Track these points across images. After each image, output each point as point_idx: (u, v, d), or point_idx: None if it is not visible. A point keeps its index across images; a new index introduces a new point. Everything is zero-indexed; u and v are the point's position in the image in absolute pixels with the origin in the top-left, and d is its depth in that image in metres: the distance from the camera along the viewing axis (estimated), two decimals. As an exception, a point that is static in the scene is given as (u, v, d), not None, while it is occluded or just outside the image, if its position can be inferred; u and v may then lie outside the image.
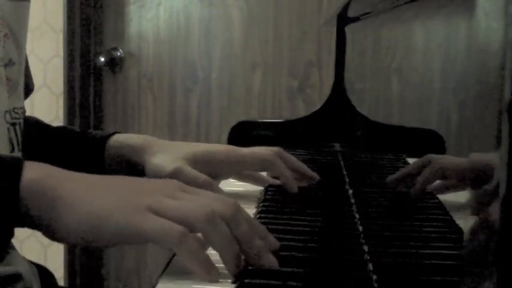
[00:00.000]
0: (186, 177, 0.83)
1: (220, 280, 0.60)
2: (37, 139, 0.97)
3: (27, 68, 0.96)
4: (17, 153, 0.85)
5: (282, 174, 0.89)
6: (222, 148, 0.90)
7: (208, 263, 0.60)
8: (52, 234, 0.61)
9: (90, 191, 0.62)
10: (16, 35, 0.86)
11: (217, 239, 0.60)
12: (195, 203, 0.62)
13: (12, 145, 0.84)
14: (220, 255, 0.61)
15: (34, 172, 0.61)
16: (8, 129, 0.84)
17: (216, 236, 0.60)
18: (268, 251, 0.63)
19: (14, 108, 0.86)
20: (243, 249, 0.62)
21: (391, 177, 0.87)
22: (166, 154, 0.87)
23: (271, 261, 0.62)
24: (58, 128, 1.03)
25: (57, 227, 0.60)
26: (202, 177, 0.84)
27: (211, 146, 0.91)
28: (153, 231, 0.58)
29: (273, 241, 0.65)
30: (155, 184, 0.65)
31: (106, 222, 0.59)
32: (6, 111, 0.83)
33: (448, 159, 0.75)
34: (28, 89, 0.98)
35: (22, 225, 0.62)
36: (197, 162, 0.86)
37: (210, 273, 0.60)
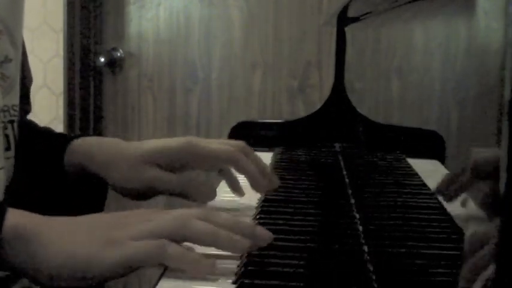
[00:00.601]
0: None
1: (220, 280, 0.60)
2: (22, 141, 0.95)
3: (25, 61, 0.95)
4: (12, 153, 0.84)
5: (246, 171, 0.83)
6: (181, 142, 0.84)
7: (197, 259, 0.61)
8: (37, 279, 0.61)
9: (70, 232, 0.62)
10: (11, 31, 0.84)
11: (201, 236, 0.62)
12: (169, 215, 0.64)
13: (8, 143, 0.84)
14: (215, 247, 0.62)
15: (14, 219, 0.61)
16: (5, 126, 0.83)
17: (199, 233, 0.62)
18: (258, 225, 0.65)
19: (13, 105, 0.85)
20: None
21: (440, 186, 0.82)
22: (123, 164, 0.83)
23: (266, 234, 0.64)
24: (34, 129, 1.00)
25: (39, 275, 0.61)
26: None
27: (171, 140, 0.85)
28: (135, 255, 0.60)
29: (263, 233, 0.64)
30: (129, 215, 0.66)
31: (92, 262, 0.60)
32: (1, 110, 0.82)
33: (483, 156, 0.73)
34: (24, 83, 0.96)
35: (5, 270, 0.62)
36: (156, 159, 0.82)
37: (203, 267, 0.61)
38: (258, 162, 0.85)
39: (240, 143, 0.86)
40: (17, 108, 0.86)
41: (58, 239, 0.61)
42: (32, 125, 0.99)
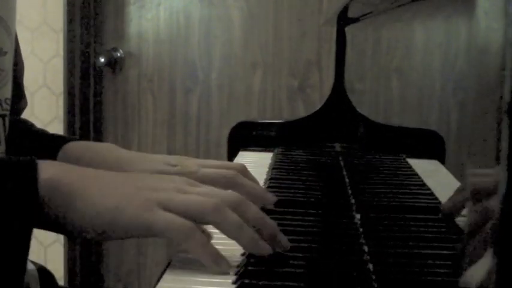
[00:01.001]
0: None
1: (220, 280, 0.60)
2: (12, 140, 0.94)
3: (17, 46, 0.93)
4: (2, 147, 0.84)
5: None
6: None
7: (216, 254, 0.62)
8: (68, 230, 0.63)
9: (104, 187, 0.63)
10: (7, 22, 0.83)
11: (229, 227, 0.62)
12: (203, 195, 0.64)
13: None
14: (237, 242, 0.63)
15: (49, 171, 0.62)
16: None
17: (227, 224, 0.62)
18: (280, 231, 0.65)
19: (6, 99, 0.84)
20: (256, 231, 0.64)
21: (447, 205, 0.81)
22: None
23: (285, 242, 0.65)
24: (29, 130, 1.00)
25: (73, 223, 0.62)
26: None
27: (167, 175, 0.79)
28: (161, 226, 0.61)
29: (283, 240, 0.65)
30: (166, 180, 0.67)
31: (118, 217, 0.61)
32: None
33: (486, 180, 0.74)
34: (21, 73, 0.95)
35: (41, 227, 0.62)
36: None
37: (220, 264, 0.62)
38: (254, 186, 0.83)
39: (241, 164, 0.85)
40: (9, 102, 0.85)
41: (92, 191, 0.62)
42: (28, 125, 0.98)
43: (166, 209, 0.62)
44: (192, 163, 0.84)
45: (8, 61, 0.84)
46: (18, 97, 0.97)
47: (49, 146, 0.89)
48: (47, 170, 0.62)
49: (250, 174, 0.85)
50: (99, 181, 0.64)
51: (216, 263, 0.61)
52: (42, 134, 0.96)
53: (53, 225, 0.63)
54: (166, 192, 0.64)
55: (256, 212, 0.65)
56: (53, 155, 0.87)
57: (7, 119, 0.84)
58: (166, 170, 0.81)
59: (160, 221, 0.61)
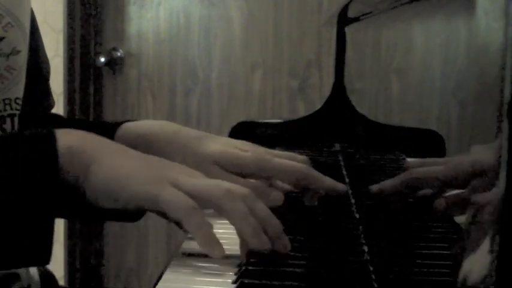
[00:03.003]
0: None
1: (220, 280, 0.60)
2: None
3: (42, 46, 0.93)
4: None
5: (321, 186, 0.80)
6: (255, 157, 0.80)
7: (213, 238, 0.62)
8: (83, 196, 0.64)
9: (121, 157, 0.66)
10: (21, 21, 0.83)
11: (235, 214, 0.62)
12: (214, 182, 0.65)
13: None
14: (240, 231, 0.63)
15: (68, 139, 0.64)
16: (4, 121, 0.82)
17: (234, 211, 0.62)
18: (283, 232, 0.65)
19: (16, 98, 0.83)
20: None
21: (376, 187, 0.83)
22: (189, 159, 0.79)
23: (287, 244, 0.64)
24: (75, 119, 1.01)
25: (88, 188, 0.64)
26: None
27: (243, 151, 0.80)
28: (165, 200, 0.61)
29: (286, 242, 0.65)
30: (182, 166, 0.68)
31: (128, 184, 0.63)
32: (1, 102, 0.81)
33: (423, 170, 0.75)
34: (46, 71, 0.95)
35: (59, 192, 0.63)
36: (226, 166, 0.79)
37: (214, 247, 0.61)
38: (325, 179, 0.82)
39: (304, 158, 0.84)
40: (20, 102, 0.84)
41: (107, 159, 0.64)
42: (66, 119, 0.98)
43: (176, 186, 0.63)
44: (263, 150, 0.82)
45: (22, 60, 0.84)
46: (46, 95, 0.97)
47: (103, 131, 0.88)
48: (66, 138, 0.64)
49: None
50: (115, 151, 0.67)
51: (210, 245, 0.61)
52: (91, 123, 0.96)
53: (72, 195, 0.64)
54: (179, 173, 0.65)
55: (264, 208, 0.65)
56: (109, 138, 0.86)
57: (16, 119, 0.84)
58: (237, 155, 0.79)
59: (166, 193, 0.62)
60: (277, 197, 0.78)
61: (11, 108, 0.82)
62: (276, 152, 0.85)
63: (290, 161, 0.80)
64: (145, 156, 0.68)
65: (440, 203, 0.73)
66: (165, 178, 0.63)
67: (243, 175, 0.79)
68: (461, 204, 0.70)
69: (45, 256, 0.62)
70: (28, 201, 0.61)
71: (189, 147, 0.81)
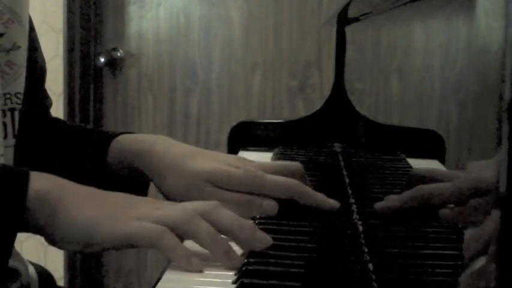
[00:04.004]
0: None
1: (220, 280, 0.61)
2: (52, 136, 0.94)
3: (38, 46, 0.94)
4: (11, 141, 0.84)
5: (310, 201, 0.79)
6: (245, 174, 0.79)
7: (187, 253, 0.63)
8: (52, 240, 0.67)
9: (88, 202, 0.68)
10: (21, 17, 0.84)
11: (202, 236, 0.64)
12: (177, 207, 0.67)
13: (6, 131, 0.83)
14: (210, 252, 0.64)
15: (40, 183, 0.67)
16: (4, 114, 0.83)
17: (200, 233, 0.64)
18: (258, 229, 0.66)
19: (16, 93, 0.84)
20: (234, 238, 0.66)
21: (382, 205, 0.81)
22: (179, 180, 0.80)
23: (264, 238, 0.65)
24: (73, 126, 1.01)
25: (56, 233, 0.66)
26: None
27: (234, 168, 0.80)
28: (134, 233, 0.64)
29: (263, 237, 0.66)
30: (147, 199, 0.72)
31: (95, 230, 0.65)
32: (1, 97, 0.82)
33: (432, 188, 0.75)
34: (42, 71, 0.96)
35: (25, 231, 0.67)
36: (218, 182, 0.79)
37: (191, 263, 0.63)
38: (314, 194, 0.81)
39: (297, 165, 0.84)
40: (21, 96, 0.85)
41: (76, 205, 0.66)
42: (67, 124, 0.99)
43: (142, 220, 0.65)
44: (254, 166, 0.82)
45: (22, 56, 0.85)
46: (43, 94, 0.97)
47: (98, 142, 0.89)
48: (38, 182, 0.66)
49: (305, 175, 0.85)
50: (83, 197, 0.68)
51: (187, 263, 0.63)
52: (89, 131, 0.96)
53: (39, 232, 0.67)
54: (143, 209, 0.67)
55: (230, 217, 0.66)
56: (103, 151, 0.87)
57: (16, 113, 0.85)
58: (229, 172, 0.79)
59: (133, 228, 0.64)
60: (270, 206, 0.78)
61: (11, 103, 0.83)
62: (269, 164, 0.85)
63: (282, 178, 0.80)
64: (111, 198, 0.70)
65: (446, 213, 0.73)
66: (131, 215, 0.65)
67: (236, 191, 0.79)
68: (467, 215, 0.70)
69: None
70: None
71: (181, 164, 0.80)
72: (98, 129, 0.98)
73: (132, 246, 0.66)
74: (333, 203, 0.80)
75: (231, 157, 0.86)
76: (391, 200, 0.79)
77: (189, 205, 0.67)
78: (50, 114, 0.99)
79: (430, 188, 0.75)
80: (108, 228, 0.65)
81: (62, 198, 0.66)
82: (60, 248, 0.68)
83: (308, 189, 0.80)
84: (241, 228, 0.65)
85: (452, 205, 0.71)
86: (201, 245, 0.64)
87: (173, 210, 0.66)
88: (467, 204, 0.62)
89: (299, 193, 0.79)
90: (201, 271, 0.62)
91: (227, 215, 0.66)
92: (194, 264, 0.63)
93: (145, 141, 0.86)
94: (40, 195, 0.66)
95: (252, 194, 0.79)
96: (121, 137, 0.87)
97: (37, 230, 0.67)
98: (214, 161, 0.81)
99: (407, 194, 0.78)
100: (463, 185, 0.63)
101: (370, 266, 0.63)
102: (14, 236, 0.64)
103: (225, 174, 0.78)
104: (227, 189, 0.78)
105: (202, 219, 0.64)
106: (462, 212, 0.69)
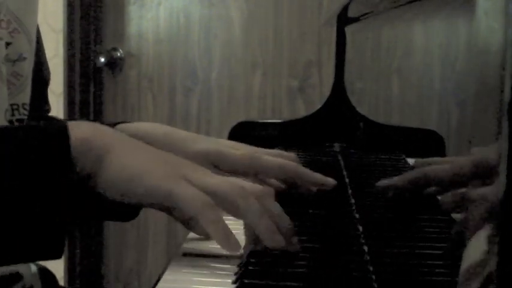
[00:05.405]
0: None
1: (220, 280, 0.61)
2: None
3: (43, 54, 0.94)
4: None
5: (311, 182, 0.83)
6: (245, 156, 0.82)
7: (227, 231, 0.62)
8: (95, 186, 0.64)
9: (134, 151, 0.65)
10: (27, 28, 0.84)
11: (250, 213, 0.63)
12: (228, 180, 0.65)
13: None
14: (255, 228, 0.63)
15: (81, 131, 0.64)
16: (13, 124, 0.83)
17: (249, 209, 0.63)
18: (295, 235, 0.65)
19: (23, 104, 0.84)
20: None
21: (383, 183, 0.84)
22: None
23: (296, 244, 0.65)
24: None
25: (99, 180, 0.64)
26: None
27: (234, 150, 0.83)
28: (180, 196, 0.61)
29: (296, 242, 0.65)
30: (194, 164, 0.68)
31: (142, 179, 0.63)
32: (6, 109, 0.82)
33: (432, 168, 0.75)
34: (46, 83, 0.96)
35: (74, 187, 0.63)
36: (218, 163, 0.81)
37: (231, 242, 0.62)
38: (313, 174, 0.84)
39: (292, 155, 0.87)
40: (27, 107, 0.85)
41: (122, 152, 0.64)
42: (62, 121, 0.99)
43: (190, 183, 0.63)
44: (252, 149, 0.84)
45: (28, 67, 0.85)
46: (45, 100, 0.97)
47: None
48: (78, 130, 0.64)
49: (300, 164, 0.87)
50: (128, 145, 0.66)
51: (226, 240, 0.61)
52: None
53: (85, 187, 0.64)
54: (195, 171, 0.65)
55: (278, 207, 0.66)
56: None
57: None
58: (228, 153, 0.81)
59: (181, 189, 0.62)
60: (331, 182, 0.81)
61: (19, 114, 0.84)
62: (266, 150, 0.87)
63: (279, 159, 0.82)
64: (158, 152, 0.68)
65: (446, 199, 0.73)
66: (179, 174, 0.63)
67: (234, 174, 0.80)
68: (466, 202, 0.70)
69: (58, 250, 0.63)
70: (41, 195, 0.60)
71: (181, 146, 0.82)
72: (95, 121, 0.97)
73: (170, 212, 0.65)
74: (331, 181, 0.82)
75: (230, 141, 0.88)
76: (393, 180, 0.79)
77: (240, 182, 0.66)
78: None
79: (431, 169, 0.76)
80: (155, 181, 0.62)
81: (106, 144, 0.64)
82: (102, 192, 0.64)
83: (304, 169, 0.82)
84: (284, 223, 0.65)
85: (452, 192, 0.71)
86: (247, 220, 0.64)
87: (225, 182, 0.64)
88: (467, 190, 0.62)
89: (296, 172, 0.81)
90: (237, 252, 0.62)
91: (275, 204, 0.66)
92: (232, 243, 0.62)
93: (144, 127, 0.86)
94: (83, 142, 0.63)
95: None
96: (118, 126, 0.87)
97: (84, 182, 0.64)
98: (214, 143, 0.83)
99: (409, 174, 0.79)
100: (464, 166, 0.63)
101: (370, 266, 0.63)
102: (65, 188, 0.61)
103: (224, 155, 0.80)
104: (227, 172, 0.80)
105: (253, 197, 0.63)
106: (463, 198, 0.69)
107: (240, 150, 0.82)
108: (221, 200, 0.63)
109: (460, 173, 0.65)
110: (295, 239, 0.65)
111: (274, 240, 0.63)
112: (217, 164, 0.80)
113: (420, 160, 0.88)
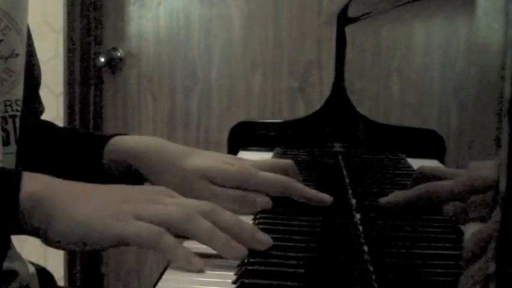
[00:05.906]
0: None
1: (220, 280, 0.60)
2: (46, 141, 0.94)
3: (34, 52, 0.94)
4: (12, 148, 0.84)
5: (304, 197, 0.81)
6: (239, 169, 0.81)
7: (187, 254, 0.63)
8: (47, 240, 0.66)
9: (82, 201, 0.66)
10: (19, 25, 0.84)
11: (200, 234, 0.63)
12: (176, 205, 0.66)
13: (8, 138, 0.84)
14: (211, 247, 0.64)
15: (32, 184, 0.66)
16: (6, 121, 0.83)
17: (198, 231, 0.63)
18: (259, 230, 0.66)
19: (16, 100, 0.85)
20: (234, 238, 0.65)
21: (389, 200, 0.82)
22: (176, 178, 0.81)
23: (264, 239, 0.65)
24: (66, 129, 1.01)
25: (52, 234, 0.65)
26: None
27: (228, 164, 0.82)
28: (131, 235, 0.63)
29: (263, 238, 0.66)
30: (142, 191, 0.69)
31: (92, 229, 0.64)
32: (1, 103, 0.82)
33: (438, 185, 0.75)
34: (37, 78, 0.96)
35: (21, 233, 0.66)
36: (212, 178, 0.80)
37: (192, 262, 0.62)
38: (307, 190, 0.83)
39: (289, 162, 0.86)
40: (20, 103, 0.85)
41: (70, 205, 0.65)
42: (59, 127, 0.99)
43: (139, 219, 0.64)
44: (247, 164, 0.83)
45: (20, 63, 0.85)
46: (37, 99, 0.97)
47: (93, 144, 0.89)
48: (31, 183, 0.66)
49: (297, 173, 0.86)
50: (77, 195, 0.67)
51: (187, 263, 0.62)
52: (83, 134, 0.96)
53: (34, 233, 0.66)
54: (140, 203, 0.66)
55: (230, 218, 0.66)
56: (99, 153, 0.87)
57: (17, 120, 0.85)
58: (224, 169, 0.81)
59: (130, 229, 0.63)
60: (263, 202, 0.79)
61: (12, 110, 0.84)
62: (262, 162, 0.86)
63: (274, 175, 0.81)
64: (107, 192, 0.69)
65: (449, 210, 0.73)
66: (127, 213, 0.64)
67: (230, 188, 0.81)
68: (468, 212, 0.70)
69: None
70: None
71: (177, 162, 0.82)
72: (90, 132, 0.98)
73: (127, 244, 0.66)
74: (325, 198, 0.81)
75: (225, 156, 0.88)
76: (396, 196, 0.79)
77: (189, 203, 0.67)
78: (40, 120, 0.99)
79: (435, 185, 0.76)
80: (104, 228, 0.64)
81: (55, 198, 0.65)
82: (57, 248, 0.67)
83: (299, 185, 0.81)
84: (241, 229, 0.65)
85: (455, 202, 0.71)
86: (201, 242, 0.64)
87: (173, 207, 0.65)
88: (468, 201, 0.62)
89: (290, 189, 0.81)
90: (202, 271, 0.62)
91: (227, 216, 0.66)
92: (195, 264, 0.62)
93: (140, 141, 0.86)
94: (33, 196, 0.65)
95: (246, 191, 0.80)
96: (115, 139, 0.87)
97: (33, 231, 0.66)
98: (209, 158, 0.83)
99: (412, 191, 0.78)
100: (466, 184, 0.64)
101: (370, 266, 0.63)
102: (8, 239, 0.64)
103: (219, 171, 0.80)
104: (222, 186, 0.80)
105: (202, 218, 0.64)
106: (464, 209, 0.69)
107: (235, 165, 0.82)
108: (171, 227, 0.63)
109: (463, 189, 0.66)
110: (262, 237, 0.65)
111: (232, 250, 0.63)
112: (212, 180, 0.80)
113: (423, 167, 0.87)
